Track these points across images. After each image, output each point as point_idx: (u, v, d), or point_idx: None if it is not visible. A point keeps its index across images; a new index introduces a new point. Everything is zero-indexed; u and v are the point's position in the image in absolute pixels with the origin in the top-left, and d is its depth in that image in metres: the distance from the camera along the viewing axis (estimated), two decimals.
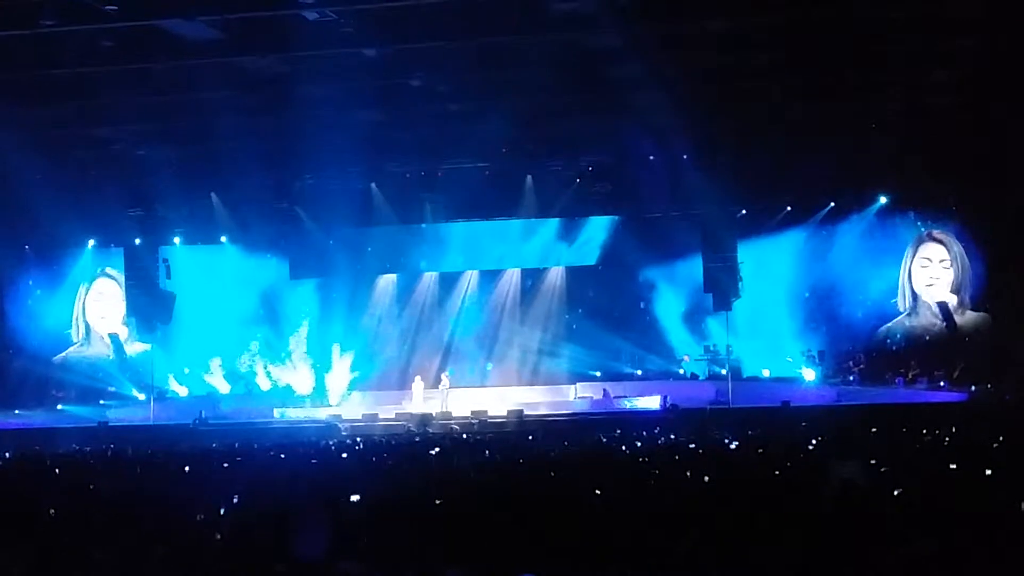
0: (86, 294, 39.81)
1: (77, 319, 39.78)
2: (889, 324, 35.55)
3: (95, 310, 39.82)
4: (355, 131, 31.85)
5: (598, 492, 11.06)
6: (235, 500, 11.70)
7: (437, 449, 20.23)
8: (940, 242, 35.32)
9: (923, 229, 35.45)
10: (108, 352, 39.33)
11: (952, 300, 35.13)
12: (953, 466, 13.00)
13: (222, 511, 10.35)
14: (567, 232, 37.64)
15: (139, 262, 37.87)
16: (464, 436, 26.79)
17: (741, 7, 25.48)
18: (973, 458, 13.93)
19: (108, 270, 39.67)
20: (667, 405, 33.10)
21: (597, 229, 37.45)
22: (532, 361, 37.54)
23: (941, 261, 35.33)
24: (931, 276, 35.37)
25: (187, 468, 17.35)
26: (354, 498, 10.82)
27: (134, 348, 39.22)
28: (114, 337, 39.37)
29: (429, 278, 38.97)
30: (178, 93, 30.25)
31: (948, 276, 35.18)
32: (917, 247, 35.46)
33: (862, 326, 35.66)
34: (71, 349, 39.60)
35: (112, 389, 38.39)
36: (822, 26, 26.88)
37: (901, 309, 35.54)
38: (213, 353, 38.16)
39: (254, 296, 38.31)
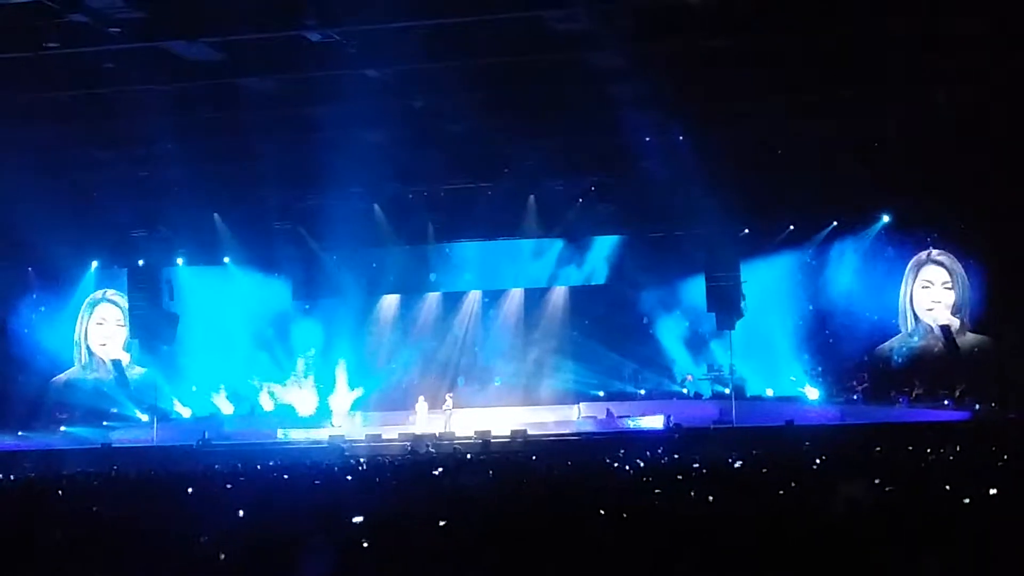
0: (88, 319, 39.77)
1: (79, 343, 39.75)
2: (891, 342, 35.48)
3: (96, 336, 39.80)
4: (358, 152, 31.87)
5: (602, 512, 11.04)
6: (239, 521, 11.69)
7: (441, 469, 20.21)
8: (941, 264, 35.29)
9: (924, 250, 35.36)
10: (110, 377, 39.28)
11: (954, 322, 35.07)
12: (958, 485, 12.97)
13: (226, 533, 10.33)
14: (570, 252, 37.63)
15: (142, 283, 37.91)
16: (468, 456, 26.75)
17: (741, 25, 25.52)
18: (977, 477, 13.90)
19: (110, 294, 39.66)
20: (670, 425, 33.02)
21: (600, 249, 37.45)
22: (535, 381, 37.48)
23: (943, 283, 35.28)
24: (932, 299, 35.31)
25: (190, 489, 17.33)
26: (357, 519, 10.80)
27: (136, 372, 39.19)
28: (116, 363, 39.34)
29: (432, 298, 38.95)
30: (181, 114, 30.29)
31: (950, 298, 35.13)
32: (918, 270, 35.41)
33: (865, 345, 35.59)
34: (72, 371, 39.56)
35: (115, 410, 38.35)
36: (824, 44, 26.94)
37: (903, 331, 35.48)
38: (216, 374, 38.12)
39: (257, 317, 38.27)
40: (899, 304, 35.50)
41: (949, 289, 35.19)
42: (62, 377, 39.42)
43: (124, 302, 38.81)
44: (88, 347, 39.80)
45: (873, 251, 35.50)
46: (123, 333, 39.23)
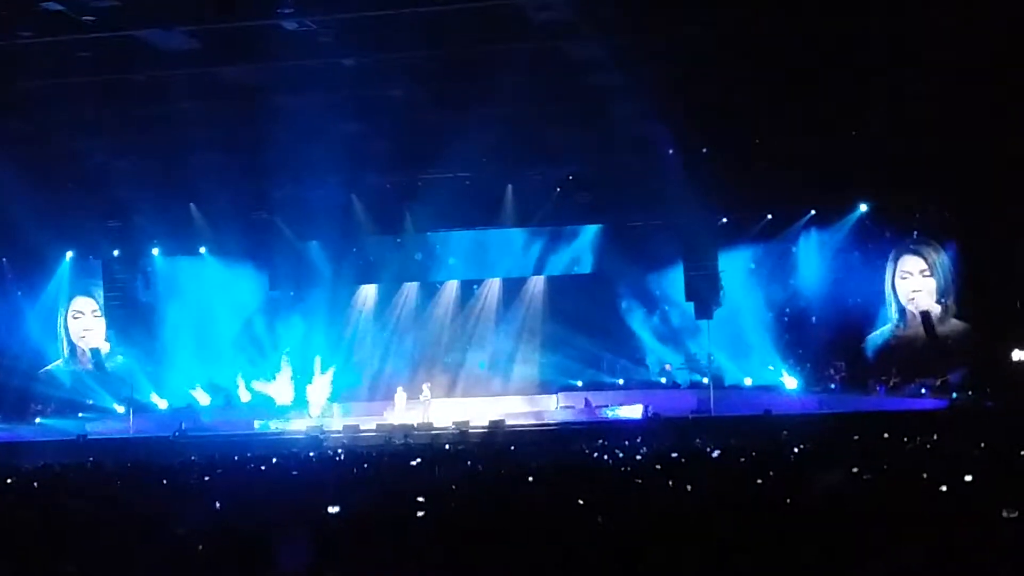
0: (66, 312, 39.59)
1: (60, 336, 39.58)
2: (875, 333, 35.60)
3: (75, 328, 39.61)
4: (334, 141, 31.79)
5: (580, 502, 11.04)
6: (216, 513, 11.65)
7: (419, 460, 20.17)
8: (917, 253, 35.39)
9: (902, 238, 35.45)
10: (90, 366, 39.12)
11: (935, 309, 35.17)
12: (935, 473, 13.01)
13: (203, 524, 10.28)
14: (548, 242, 37.62)
15: (118, 274, 37.81)
16: (446, 447, 26.71)
17: (719, 16, 25.51)
18: (954, 465, 13.94)
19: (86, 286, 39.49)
20: (649, 414, 33.07)
21: (578, 238, 37.45)
22: (513, 371, 37.46)
23: (921, 271, 35.38)
24: (912, 289, 35.42)
25: (166, 481, 17.26)
26: (333, 509, 10.77)
27: (117, 361, 39.03)
28: (95, 351, 39.17)
29: (409, 288, 38.88)
30: (156, 104, 30.14)
31: (930, 284, 35.23)
32: (896, 261, 35.51)
33: (843, 334, 35.67)
34: (56, 363, 39.40)
35: (91, 402, 38.18)
36: (802, 34, 26.94)
37: (890, 320, 35.58)
38: (193, 365, 37.96)
39: (234, 307, 38.12)
40: (885, 294, 35.59)
41: (928, 276, 35.30)
42: (45, 369, 39.22)
43: (100, 293, 38.64)
44: (69, 339, 39.60)
45: (850, 240, 35.56)
46: (101, 323, 39.05)
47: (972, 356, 33.87)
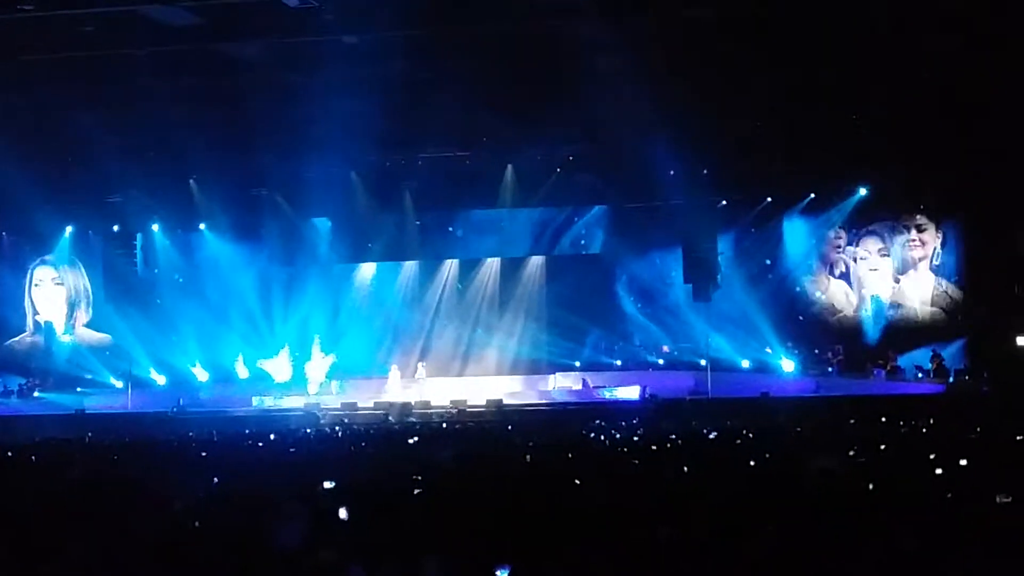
0: (29, 283, 39.60)
1: (25, 309, 39.66)
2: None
3: (38, 298, 39.65)
4: (335, 119, 31.71)
5: (577, 482, 11.07)
6: (213, 488, 11.68)
7: (416, 439, 20.23)
8: (873, 233, 35.45)
9: (903, 221, 35.42)
10: (40, 341, 39.23)
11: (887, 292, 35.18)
12: (931, 457, 13.06)
13: (200, 500, 10.32)
14: (547, 222, 37.59)
15: (117, 249, 37.86)
16: (443, 425, 26.78)
17: None
18: (950, 449, 13.99)
19: (47, 257, 39.46)
20: (646, 395, 33.13)
21: (577, 219, 37.43)
22: (511, 351, 37.46)
23: (879, 251, 35.42)
24: (869, 268, 35.43)
25: (164, 457, 17.30)
26: (327, 485, 10.80)
27: (81, 336, 39.06)
28: (48, 325, 39.23)
29: (408, 267, 38.88)
30: (157, 79, 30.08)
31: (887, 264, 35.17)
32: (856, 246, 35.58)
33: (840, 317, 35.73)
34: (17, 338, 39.51)
35: (89, 376, 38.24)
36: (803, 16, 26.91)
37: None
38: (191, 340, 37.98)
39: (233, 283, 38.10)
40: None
41: (885, 256, 35.30)
42: (11, 342, 39.38)
43: (63, 266, 38.97)
44: (34, 310, 39.63)
45: (849, 223, 35.57)
46: (61, 293, 39.10)
47: (971, 338, 33.87)
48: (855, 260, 35.68)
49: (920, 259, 35.19)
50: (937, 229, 35.05)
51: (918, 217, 35.21)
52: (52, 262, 39.44)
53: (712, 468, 12.69)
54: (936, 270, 35.04)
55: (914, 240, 35.20)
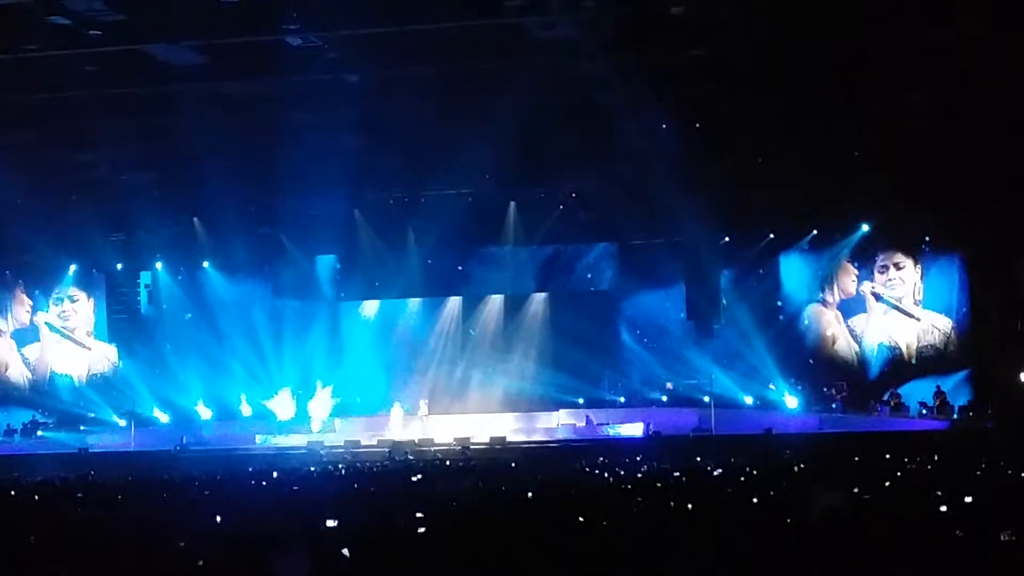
0: (32, 320, 39.65)
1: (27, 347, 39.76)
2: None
3: (42, 336, 39.73)
4: (338, 156, 31.82)
5: (581, 520, 11.04)
6: (216, 527, 11.65)
7: (419, 476, 20.18)
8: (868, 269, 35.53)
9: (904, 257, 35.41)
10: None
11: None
12: (935, 494, 13.01)
13: (204, 538, 10.29)
14: (550, 259, 37.58)
15: (121, 287, 37.91)
16: (447, 463, 26.70)
17: (722, 35, 25.58)
18: (955, 486, 13.94)
19: (51, 294, 39.50)
20: (650, 432, 33.05)
21: (580, 256, 37.42)
22: (515, 387, 37.38)
23: (896, 264, 35.42)
24: (869, 303, 35.46)
25: (168, 495, 17.26)
26: (331, 523, 10.78)
27: (84, 374, 39.16)
28: (52, 364, 39.44)
29: (412, 304, 38.87)
30: (161, 117, 30.23)
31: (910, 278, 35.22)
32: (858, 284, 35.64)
33: (843, 354, 35.69)
34: (23, 373, 39.63)
35: (92, 415, 38.21)
36: (805, 54, 27.03)
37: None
38: (195, 378, 37.94)
39: (236, 321, 38.08)
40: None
41: (880, 291, 35.29)
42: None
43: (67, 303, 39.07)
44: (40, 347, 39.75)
45: (851, 259, 35.56)
46: (65, 330, 39.34)
47: (974, 373, 33.81)
48: (856, 295, 35.63)
49: (902, 297, 35.21)
50: (916, 264, 35.00)
51: (896, 255, 35.15)
52: (56, 299, 39.44)
53: (716, 506, 12.65)
54: (923, 304, 34.99)
55: (893, 279, 35.19)
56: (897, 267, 35.20)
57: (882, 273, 35.37)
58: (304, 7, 24.26)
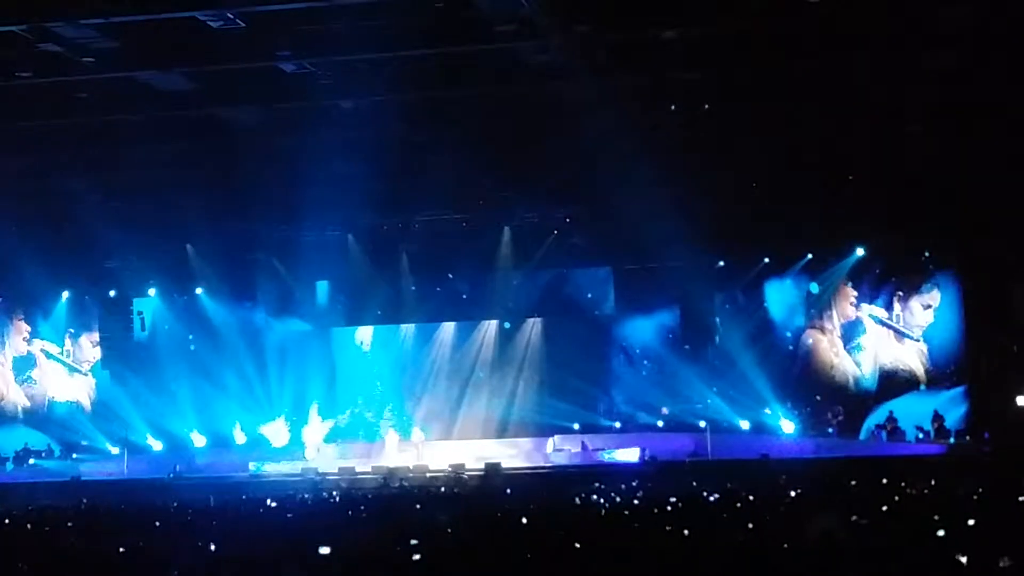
0: (25, 349, 39.55)
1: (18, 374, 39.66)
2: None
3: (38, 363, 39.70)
4: (332, 183, 31.78)
5: (577, 546, 10.98)
6: (210, 555, 11.57)
7: (414, 503, 20.10)
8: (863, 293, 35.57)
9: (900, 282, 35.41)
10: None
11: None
12: (932, 519, 12.95)
13: (197, 566, 10.22)
14: (545, 284, 37.54)
15: (114, 314, 37.84)
16: (442, 489, 26.62)
17: (713, 59, 25.58)
18: (952, 511, 13.88)
19: (44, 322, 39.42)
20: (646, 458, 32.97)
21: (575, 281, 37.40)
22: (510, 413, 37.32)
23: (869, 312, 35.49)
24: (864, 328, 35.43)
25: (160, 523, 17.17)
26: (324, 550, 10.70)
27: (77, 402, 38.96)
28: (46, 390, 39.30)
29: (405, 330, 38.81)
30: (154, 144, 30.17)
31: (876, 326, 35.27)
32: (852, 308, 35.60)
33: (840, 378, 35.64)
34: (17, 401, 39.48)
35: (85, 443, 38.08)
36: (797, 78, 27.06)
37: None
38: (188, 405, 37.83)
39: (230, 348, 38.00)
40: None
41: (876, 316, 35.31)
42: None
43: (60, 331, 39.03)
44: (31, 376, 39.61)
45: (849, 283, 35.56)
46: (57, 358, 39.21)
47: (971, 398, 33.77)
48: (855, 319, 35.62)
49: (900, 320, 35.19)
50: (913, 288, 34.99)
51: (893, 278, 35.18)
52: (49, 327, 39.36)
53: (713, 531, 12.59)
54: (921, 328, 34.98)
55: (890, 303, 35.25)
56: (895, 291, 35.21)
57: (879, 296, 35.39)
58: (297, 33, 24.25)
